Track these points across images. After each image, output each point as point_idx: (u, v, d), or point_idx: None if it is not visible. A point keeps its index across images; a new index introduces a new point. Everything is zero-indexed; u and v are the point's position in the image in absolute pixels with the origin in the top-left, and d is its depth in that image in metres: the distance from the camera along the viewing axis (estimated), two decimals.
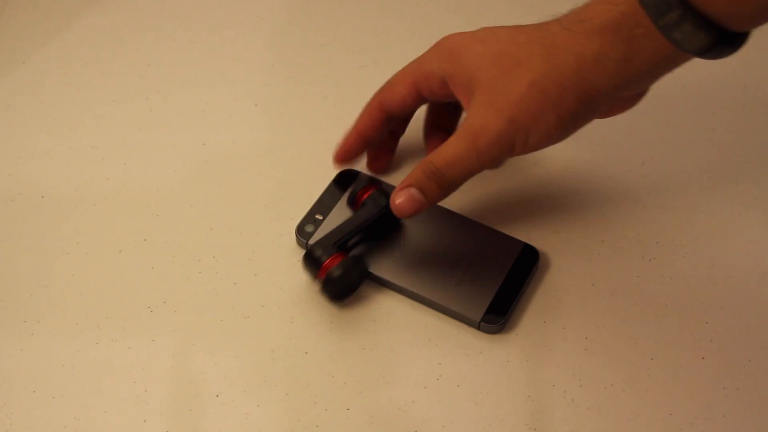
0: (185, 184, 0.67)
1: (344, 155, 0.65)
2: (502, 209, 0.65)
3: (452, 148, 0.57)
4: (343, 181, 0.66)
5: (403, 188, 0.58)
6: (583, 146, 0.68)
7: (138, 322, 0.60)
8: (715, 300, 0.61)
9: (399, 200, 0.58)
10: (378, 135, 0.64)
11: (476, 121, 0.56)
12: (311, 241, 0.62)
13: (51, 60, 0.75)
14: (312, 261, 0.59)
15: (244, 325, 0.60)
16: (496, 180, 0.67)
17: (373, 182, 0.63)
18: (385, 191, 0.62)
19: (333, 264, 0.58)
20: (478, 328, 0.59)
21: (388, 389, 0.57)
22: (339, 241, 0.60)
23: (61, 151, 0.69)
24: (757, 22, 0.49)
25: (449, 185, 0.58)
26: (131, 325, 0.60)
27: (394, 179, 0.66)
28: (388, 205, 0.61)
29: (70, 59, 0.75)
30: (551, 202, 0.66)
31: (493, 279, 0.61)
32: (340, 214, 0.63)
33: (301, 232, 0.63)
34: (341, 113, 0.72)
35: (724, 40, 0.49)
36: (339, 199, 0.64)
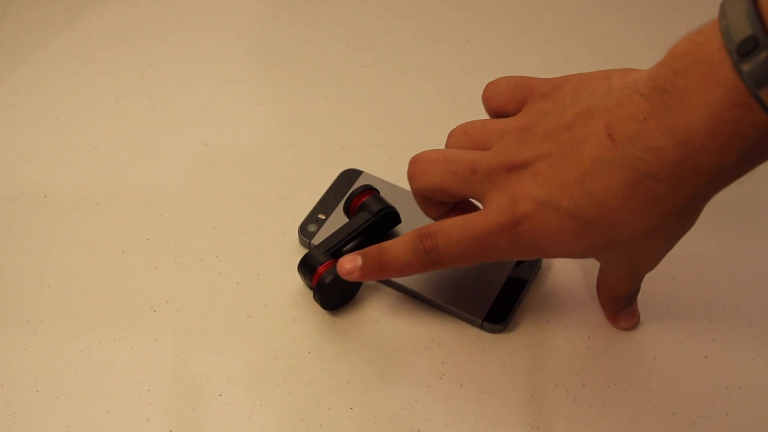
0: (188, 183, 0.67)
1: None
2: None
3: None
4: (346, 180, 0.66)
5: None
6: None
7: (141, 321, 0.60)
8: (718, 299, 0.61)
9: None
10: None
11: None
12: (314, 241, 0.62)
13: (53, 60, 0.75)
14: (306, 268, 0.60)
15: (246, 324, 0.60)
16: None
17: (367, 188, 0.63)
18: (379, 197, 0.62)
19: (325, 271, 0.58)
20: (481, 327, 0.59)
21: (391, 388, 0.57)
22: (333, 249, 0.60)
23: (64, 151, 0.69)
24: None
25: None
26: (134, 324, 0.60)
27: (394, 179, 0.66)
28: (382, 210, 0.61)
29: (72, 59, 0.75)
30: None
31: (496, 278, 0.61)
32: (342, 213, 0.63)
33: (304, 231, 0.63)
34: (343, 113, 0.72)
35: None
36: (341, 198, 0.64)
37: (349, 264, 0.56)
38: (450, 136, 0.58)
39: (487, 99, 0.58)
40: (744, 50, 0.43)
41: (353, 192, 0.63)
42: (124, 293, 0.61)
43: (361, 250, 0.56)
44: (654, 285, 0.62)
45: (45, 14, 0.79)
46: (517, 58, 0.76)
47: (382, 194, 0.63)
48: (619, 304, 0.58)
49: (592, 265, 0.62)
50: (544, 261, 0.62)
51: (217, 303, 0.61)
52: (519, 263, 0.62)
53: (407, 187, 0.65)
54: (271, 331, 0.59)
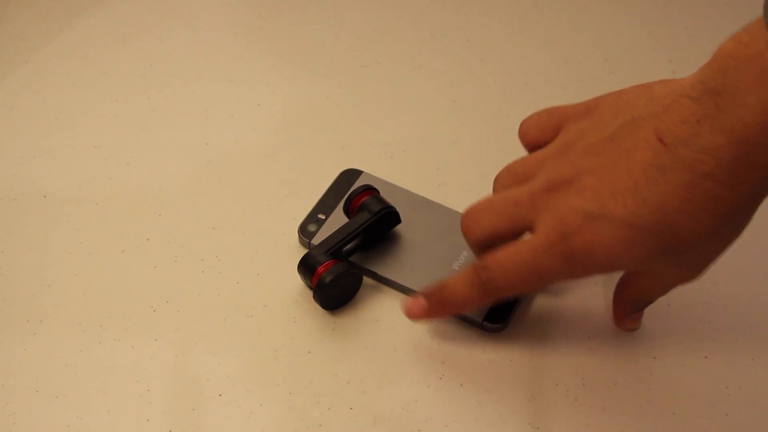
0: (188, 183, 0.67)
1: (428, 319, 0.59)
2: None
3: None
4: (346, 180, 0.66)
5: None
6: None
7: (141, 321, 0.60)
8: (718, 299, 0.61)
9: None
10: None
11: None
12: (314, 241, 0.62)
13: (53, 60, 0.75)
14: (306, 268, 0.60)
15: (246, 324, 0.60)
16: None
17: (367, 188, 0.63)
18: (379, 197, 0.62)
19: (325, 271, 0.58)
20: (481, 327, 0.59)
21: (391, 388, 0.57)
22: (333, 249, 0.60)
23: (64, 151, 0.69)
24: None
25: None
26: (134, 324, 0.60)
27: (394, 179, 0.66)
28: (382, 210, 0.61)
29: (72, 59, 0.75)
30: None
31: None
32: (342, 213, 0.63)
33: (304, 231, 0.63)
34: (343, 113, 0.72)
35: None
36: (341, 198, 0.64)
37: (416, 307, 0.57)
38: (495, 182, 0.57)
39: (523, 136, 0.57)
40: None
41: (353, 192, 0.63)
42: (123, 293, 0.61)
43: (423, 290, 0.57)
44: None
45: (45, 14, 0.79)
46: (517, 58, 0.76)
47: (382, 194, 0.63)
48: (637, 308, 0.58)
49: None
50: None
51: (217, 303, 0.61)
52: None
53: (407, 187, 0.65)
54: (271, 331, 0.59)
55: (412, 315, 0.57)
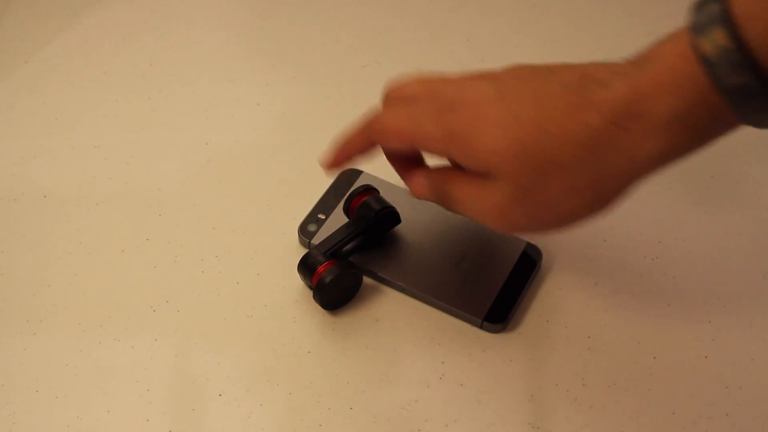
0: (188, 183, 0.67)
1: (334, 165, 0.59)
2: None
3: (472, 202, 0.52)
4: (346, 180, 0.66)
5: (418, 177, 0.56)
6: None
7: (141, 321, 0.60)
8: (718, 299, 0.61)
9: (414, 184, 0.56)
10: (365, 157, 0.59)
11: (503, 217, 0.51)
12: (314, 241, 0.62)
13: (53, 60, 0.75)
14: (306, 268, 0.60)
15: (246, 324, 0.60)
16: None
17: (367, 188, 0.63)
18: (379, 197, 0.62)
19: (325, 271, 0.58)
20: (481, 327, 0.59)
21: (390, 388, 0.57)
22: (333, 249, 0.60)
23: (64, 151, 0.69)
24: None
25: (444, 205, 0.55)
26: (134, 324, 0.60)
27: (394, 179, 0.66)
28: (382, 210, 0.61)
29: (72, 59, 0.75)
30: None
31: (496, 278, 0.61)
32: (342, 213, 0.63)
33: (304, 231, 0.63)
34: (343, 113, 0.71)
35: None
36: (341, 198, 0.64)
37: (322, 156, 0.58)
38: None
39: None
40: (699, 5, 0.45)
41: (353, 192, 0.63)
42: (123, 293, 0.61)
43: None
44: (654, 285, 0.62)
45: (45, 14, 0.79)
46: (517, 58, 0.76)
47: (382, 194, 0.63)
48: (433, 193, 0.56)
49: (595, 265, 0.62)
50: (544, 261, 0.62)
51: (216, 303, 0.61)
52: (520, 263, 0.62)
53: (407, 187, 0.65)
54: (271, 331, 0.59)
55: (322, 164, 0.58)
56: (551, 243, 0.63)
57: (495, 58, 0.76)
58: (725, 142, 0.69)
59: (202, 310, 0.60)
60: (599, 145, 0.47)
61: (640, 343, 0.59)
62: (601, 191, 0.49)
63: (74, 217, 0.65)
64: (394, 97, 0.56)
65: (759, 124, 0.46)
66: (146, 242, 0.64)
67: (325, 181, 0.66)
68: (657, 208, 0.66)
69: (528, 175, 0.49)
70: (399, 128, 0.54)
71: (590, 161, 0.48)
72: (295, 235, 0.63)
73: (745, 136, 0.72)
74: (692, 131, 0.46)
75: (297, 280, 0.61)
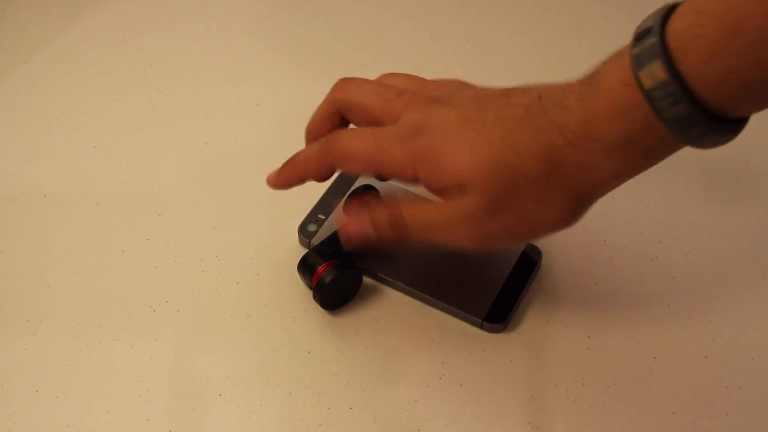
0: (187, 183, 0.67)
1: (281, 185, 0.59)
2: None
3: (439, 221, 0.53)
4: (346, 180, 0.66)
5: (359, 217, 0.56)
6: None
7: (140, 321, 0.60)
8: (718, 299, 0.61)
9: (351, 226, 0.56)
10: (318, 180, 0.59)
11: (476, 229, 0.52)
12: (314, 241, 0.62)
13: (53, 60, 0.75)
14: (306, 268, 0.60)
15: (246, 324, 0.60)
16: None
17: (367, 188, 0.63)
18: (379, 197, 0.62)
19: (325, 271, 0.58)
20: (481, 327, 0.59)
21: (390, 388, 0.57)
22: (332, 249, 0.60)
23: (63, 151, 0.69)
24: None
25: (405, 240, 0.55)
26: (134, 324, 0.60)
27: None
28: None
29: (72, 59, 0.75)
30: None
31: (496, 278, 0.61)
32: (342, 213, 0.63)
33: (304, 231, 0.63)
34: None
35: (736, 131, 0.48)
36: (341, 198, 0.64)
37: (270, 176, 0.59)
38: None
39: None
40: (639, 37, 0.47)
41: (353, 192, 0.63)
42: (123, 293, 0.61)
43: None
44: (654, 285, 0.62)
45: (45, 14, 0.79)
46: (517, 58, 0.76)
47: (382, 194, 0.63)
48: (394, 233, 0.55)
49: (595, 265, 0.62)
50: (544, 260, 0.62)
51: (216, 303, 0.61)
52: (520, 263, 0.62)
53: (407, 186, 0.65)
54: (271, 331, 0.59)
55: (268, 181, 0.59)
56: (551, 243, 0.63)
57: (495, 58, 0.76)
58: None
59: (202, 310, 0.60)
60: (562, 163, 0.50)
61: (640, 343, 0.59)
62: (566, 203, 0.51)
63: (74, 217, 0.65)
64: (343, 88, 0.57)
65: (703, 146, 0.48)
66: (146, 242, 0.64)
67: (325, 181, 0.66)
68: (657, 208, 0.66)
69: (501, 187, 0.51)
70: (364, 153, 0.54)
71: (556, 176, 0.50)
72: (295, 235, 0.63)
73: (745, 136, 0.72)
74: (644, 152, 0.49)
75: (297, 280, 0.61)
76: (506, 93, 0.53)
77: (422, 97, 0.54)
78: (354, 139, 0.55)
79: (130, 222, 0.65)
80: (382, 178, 0.57)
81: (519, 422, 0.56)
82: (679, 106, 0.45)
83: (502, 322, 0.59)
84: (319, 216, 0.64)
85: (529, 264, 0.62)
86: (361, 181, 0.66)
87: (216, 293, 0.61)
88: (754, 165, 0.68)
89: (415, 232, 0.54)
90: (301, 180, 0.58)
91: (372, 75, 0.74)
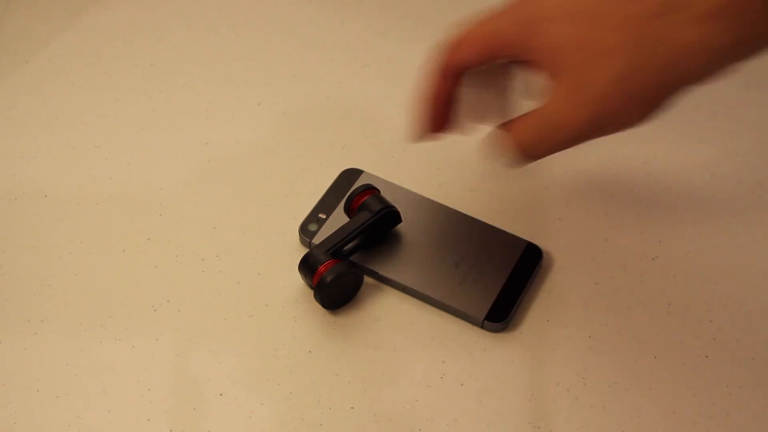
0: (188, 183, 0.67)
1: (435, 126, 0.58)
2: (506, 208, 0.65)
3: (530, 131, 0.54)
4: (346, 179, 0.66)
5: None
6: (585, 145, 0.68)
7: (141, 321, 0.60)
8: (718, 299, 0.61)
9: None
10: (454, 101, 0.58)
11: (557, 115, 0.53)
12: (315, 240, 0.62)
13: (53, 60, 0.75)
14: (307, 268, 0.60)
15: (247, 324, 0.60)
16: (499, 179, 0.67)
17: (368, 188, 0.63)
18: (380, 197, 0.62)
19: (326, 270, 0.58)
20: (482, 326, 0.59)
21: (391, 388, 0.57)
22: (333, 248, 0.60)
23: (64, 151, 0.69)
24: None
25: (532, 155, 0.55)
26: (135, 324, 0.60)
27: (394, 178, 0.66)
28: (383, 210, 0.61)
29: (72, 59, 0.75)
30: (554, 201, 0.66)
31: (497, 277, 0.61)
32: (343, 213, 0.63)
33: (305, 230, 0.63)
34: (343, 112, 0.72)
35: None
36: (342, 197, 0.64)
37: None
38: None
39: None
40: None
41: (354, 191, 0.63)
42: (124, 293, 0.61)
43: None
44: (654, 285, 0.62)
45: (45, 14, 0.79)
46: None
47: (383, 194, 0.63)
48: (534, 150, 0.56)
49: (596, 264, 0.63)
50: (545, 260, 0.62)
51: (217, 302, 0.61)
52: (521, 262, 0.62)
53: (408, 186, 0.65)
54: (272, 331, 0.59)
55: (413, 135, 0.58)
56: (552, 242, 0.63)
57: None
58: (725, 142, 0.70)
59: (202, 310, 0.61)
60: (646, 34, 0.48)
61: (640, 343, 0.59)
62: (646, 86, 0.50)
63: (74, 217, 0.65)
64: (458, 46, 0.56)
65: None
66: (147, 242, 0.64)
67: (325, 181, 0.66)
68: (657, 208, 0.66)
69: (583, 65, 0.50)
70: (478, 33, 0.55)
71: (636, 51, 0.49)
72: (295, 235, 0.63)
73: (745, 136, 0.72)
74: (733, 23, 0.47)
75: (298, 280, 0.61)
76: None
77: None
78: (466, 29, 0.55)
79: (130, 222, 0.65)
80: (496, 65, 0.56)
81: (520, 422, 0.56)
82: None
83: (502, 322, 0.59)
84: (320, 215, 0.64)
85: (530, 263, 0.62)
86: (362, 181, 0.66)
87: (217, 293, 0.61)
88: (754, 164, 0.68)
89: (531, 142, 0.54)
90: (441, 113, 0.57)
91: (372, 75, 0.75)
